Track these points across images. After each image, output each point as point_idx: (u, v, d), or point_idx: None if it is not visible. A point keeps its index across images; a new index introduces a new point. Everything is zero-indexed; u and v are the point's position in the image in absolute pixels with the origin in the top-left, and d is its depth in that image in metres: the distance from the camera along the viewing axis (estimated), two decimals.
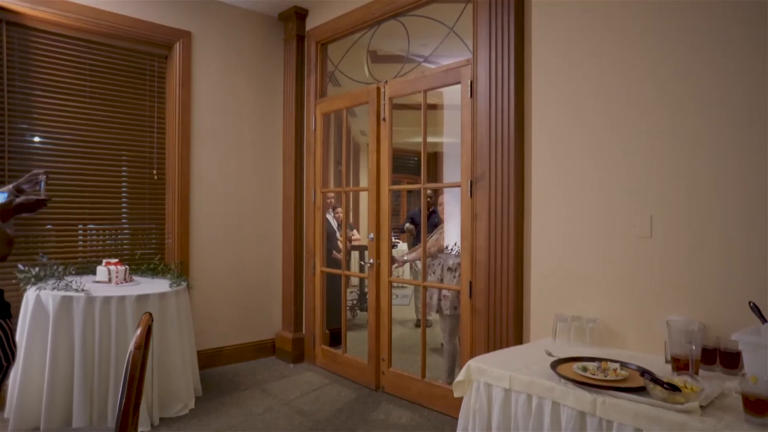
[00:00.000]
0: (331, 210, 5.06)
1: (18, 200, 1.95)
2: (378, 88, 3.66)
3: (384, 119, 3.64)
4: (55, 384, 2.78)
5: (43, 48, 3.46)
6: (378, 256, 3.67)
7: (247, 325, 4.37)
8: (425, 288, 3.51)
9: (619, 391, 1.70)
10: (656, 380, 1.64)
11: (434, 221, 4.58)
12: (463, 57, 3.09)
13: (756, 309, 1.87)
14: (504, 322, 2.79)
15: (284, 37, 4.49)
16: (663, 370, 1.92)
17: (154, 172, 3.97)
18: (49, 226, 3.50)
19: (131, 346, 1.46)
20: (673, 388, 1.61)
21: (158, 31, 3.86)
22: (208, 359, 4.05)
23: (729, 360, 1.94)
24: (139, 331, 1.51)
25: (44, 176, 2.37)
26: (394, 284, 3.79)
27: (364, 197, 3.97)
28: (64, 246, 3.57)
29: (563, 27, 2.61)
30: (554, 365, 1.95)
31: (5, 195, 2.06)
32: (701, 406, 1.57)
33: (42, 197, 2.12)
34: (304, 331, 4.38)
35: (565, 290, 2.59)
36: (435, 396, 3.29)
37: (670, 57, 2.22)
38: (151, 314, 1.63)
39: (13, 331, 1.71)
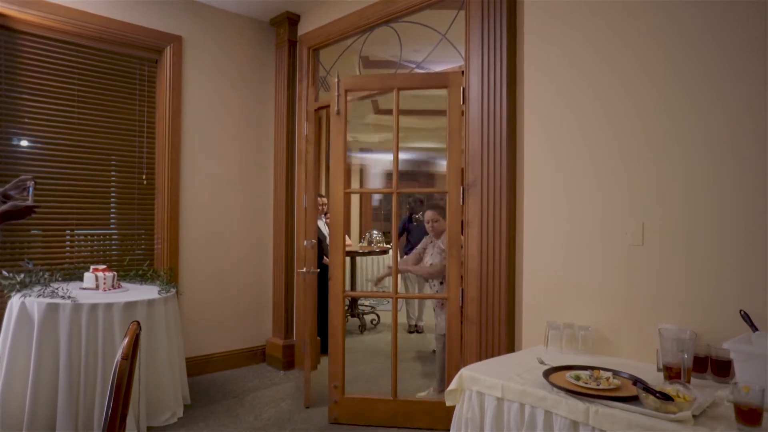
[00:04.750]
0: (322, 216, 5.04)
1: (4, 207, 1.92)
2: (336, 82, 3.23)
3: (338, 112, 3.23)
4: (38, 393, 2.72)
5: (30, 51, 3.42)
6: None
7: (237, 332, 4.33)
8: (396, 300, 3.32)
9: (612, 400, 1.69)
10: (649, 389, 1.64)
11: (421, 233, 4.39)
12: (456, 63, 3.09)
13: (747, 317, 1.88)
14: (496, 330, 2.78)
15: (276, 42, 4.47)
16: (655, 378, 1.92)
17: (144, 177, 3.93)
18: (35, 232, 3.45)
19: (118, 356, 1.43)
20: (666, 397, 1.60)
21: (148, 35, 3.83)
22: (197, 366, 4.00)
23: (720, 368, 1.95)
24: (126, 340, 1.48)
25: (32, 182, 2.34)
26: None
27: (356, 201, 3.97)
28: (51, 252, 3.51)
29: (556, 33, 2.62)
30: (547, 374, 1.94)
31: None
32: (694, 416, 1.57)
33: (30, 204, 2.09)
34: (294, 338, 4.35)
35: (557, 297, 2.59)
36: (414, 413, 3.10)
37: (669, 60, 2.22)
38: (138, 323, 1.60)
39: None
